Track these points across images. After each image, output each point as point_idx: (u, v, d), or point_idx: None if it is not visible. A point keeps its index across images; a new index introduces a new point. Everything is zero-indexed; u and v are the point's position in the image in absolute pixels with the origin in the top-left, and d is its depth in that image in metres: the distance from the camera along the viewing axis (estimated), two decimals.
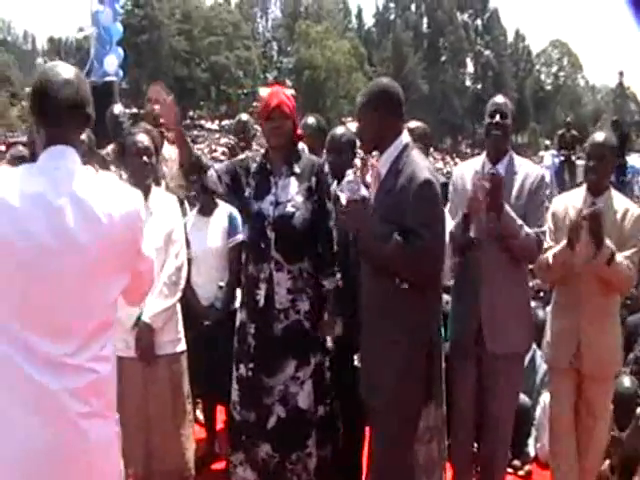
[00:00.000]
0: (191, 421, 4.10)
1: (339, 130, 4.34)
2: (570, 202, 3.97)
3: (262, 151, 3.94)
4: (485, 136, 3.89)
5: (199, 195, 4.64)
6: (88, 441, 2.21)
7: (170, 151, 5.71)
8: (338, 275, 3.78)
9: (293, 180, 3.73)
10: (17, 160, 4.80)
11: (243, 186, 3.77)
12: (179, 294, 3.91)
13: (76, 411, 2.16)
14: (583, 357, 3.83)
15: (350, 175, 3.21)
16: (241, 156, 4.06)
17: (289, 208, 3.67)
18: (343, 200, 3.23)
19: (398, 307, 3.14)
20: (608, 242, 3.65)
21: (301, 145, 4.42)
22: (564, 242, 3.72)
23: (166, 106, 3.62)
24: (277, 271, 3.66)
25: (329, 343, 3.79)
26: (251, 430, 3.73)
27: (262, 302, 3.68)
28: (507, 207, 3.56)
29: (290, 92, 3.95)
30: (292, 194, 3.70)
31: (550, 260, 3.81)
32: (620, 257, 3.67)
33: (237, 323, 3.83)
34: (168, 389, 3.89)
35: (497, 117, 3.76)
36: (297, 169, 3.74)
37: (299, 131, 3.84)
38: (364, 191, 3.30)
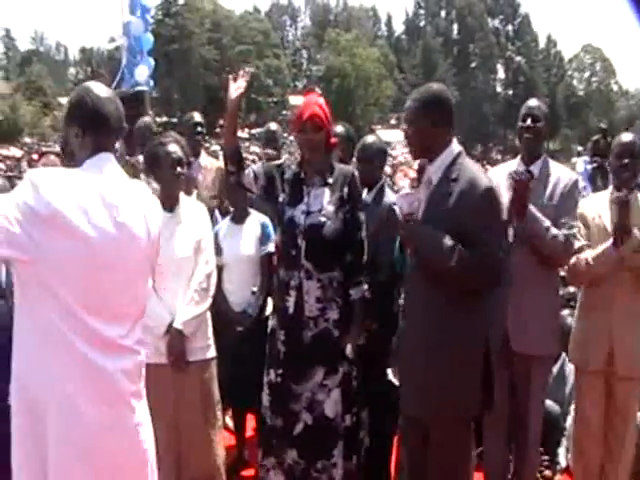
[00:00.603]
0: (220, 427, 4.11)
1: (369, 139, 4.35)
2: (598, 203, 3.97)
3: (297, 159, 3.97)
4: (518, 139, 3.91)
5: (232, 199, 4.67)
6: (138, 418, 2.53)
7: (207, 161, 5.77)
8: (365, 285, 3.78)
9: (325, 190, 3.75)
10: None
11: (278, 191, 3.80)
12: (209, 301, 3.94)
13: (128, 390, 2.47)
14: (617, 358, 3.81)
15: (406, 188, 3.18)
16: (278, 161, 4.09)
17: (320, 218, 3.69)
18: (399, 214, 3.21)
19: (452, 323, 3.12)
20: (637, 232, 3.65)
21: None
22: (609, 241, 3.71)
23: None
24: (307, 279, 3.67)
25: (348, 352, 3.74)
26: (279, 435, 3.75)
27: (292, 309, 3.70)
28: (533, 208, 3.57)
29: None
30: (324, 204, 3.72)
31: (590, 260, 3.79)
32: None
33: (269, 329, 3.87)
34: (198, 396, 3.91)
35: (528, 121, 3.79)
36: (330, 179, 3.76)
37: (333, 140, 3.83)
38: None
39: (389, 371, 3.71)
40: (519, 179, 3.55)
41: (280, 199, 3.79)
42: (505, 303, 3.66)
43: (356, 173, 3.89)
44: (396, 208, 3.36)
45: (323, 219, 3.69)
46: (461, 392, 3.13)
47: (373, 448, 3.98)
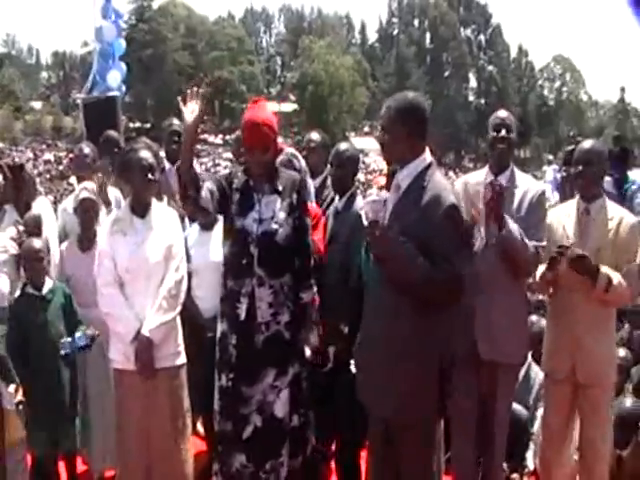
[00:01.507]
0: (190, 435, 4.09)
1: (342, 145, 4.36)
2: (564, 212, 4.01)
3: (242, 168, 3.91)
4: (490, 150, 3.93)
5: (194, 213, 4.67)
6: None
7: None
8: (315, 288, 3.82)
9: (276, 197, 3.75)
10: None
11: (230, 203, 3.77)
12: (179, 308, 3.92)
13: None
14: (578, 366, 3.83)
15: (373, 195, 3.20)
16: (225, 171, 4.05)
17: (273, 225, 3.69)
18: (365, 220, 3.22)
19: (411, 324, 3.14)
20: (604, 269, 3.67)
21: (290, 150, 4.46)
22: (544, 265, 3.78)
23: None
24: (259, 286, 3.67)
25: (307, 355, 3.81)
26: (227, 440, 3.74)
27: (243, 316, 3.69)
28: (508, 218, 3.60)
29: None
30: (275, 211, 3.72)
31: (537, 277, 3.88)
32: (617, 279, 3.68)
33: (218, 333, 3.82)
34: (168, 403, 3.89)
35: (503, 131, 3.81)
36: (279, 186, 3.76)
37: (280, 146, 3.83)
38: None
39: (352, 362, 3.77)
40: (495, 190, 3.59)
41: (232, 210, 3.76)
42: (472, 311, 3.68)
43: (304, 178, 3.95)
44: (362, 214, 3.37)
45: (275, 226, 3.68)
46: (417, 393, 3.16)
47: (344, 450, 4.05)
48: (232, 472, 3.72)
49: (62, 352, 4.01)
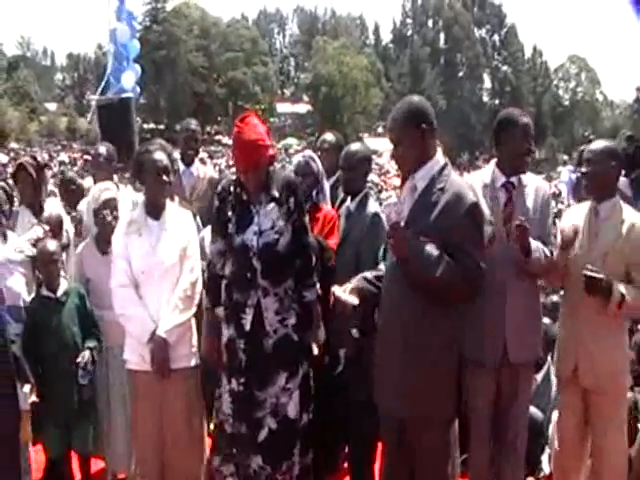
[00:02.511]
0: (204, 436, 4.11)
1: (353, 147, 4.34)
2: (576, 213, 3.98)
3: (233, 178, 3.87)
4: (517, 158, 3.80)
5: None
6: None
7: (201, 170, 5.77)
8: (317, 285, 3.81)
9: (273, 205, 3.70)
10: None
11: (228, 225, 3.75)
12: (194, 309, 3.93)
13: None
14: (581, 371, 3.79)
15: (393, 197, 3.22)
16: (217, 191, 3.91)
17: (273, 235, 3.67)
18: (386, 223, 3.23)
19: (428, 323, 3.16)
20: (616, 287, 3.62)
21: (308, 152, 4.43)
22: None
23: None
24: (265, 297, 3.66)
25: (315, 350, 3.83)
26: (243, 442, 3.74)
27: (248, 327, 3.68)
28: (533, 243, 3.61)
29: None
30: (274, 219, 3.69)
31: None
32: (630, 295, 3.63)
33: (224, 339, 3.79)
34: (183, 403, 3.90)
35: (532, 143, 3.81)
36: (275, 192, 3.71)
37: (272, 153, 3.73)
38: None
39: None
40: (521, 228, 3.56)
41: (230, 230, 3.73)
42: (500, 313, 3.69)
43: (324, 180, 3.99)
44: (383, 216, 3.35)
45: (276, 236, 3.66)
46: (434, 394, 3.17)
47: (356, 451, 4.07)
48: (249, 473, 3.73)
49: (82, 381, 4.05)
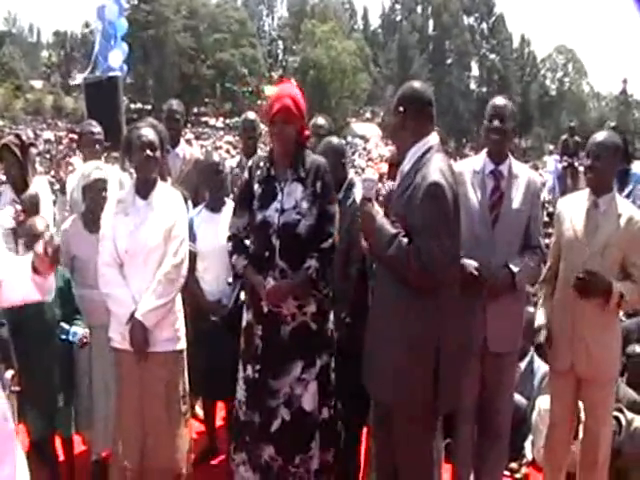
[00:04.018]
0: (187, 420, 4.05)
1: (325, 140, 4.29)
2: (574, 203, 3.97)
3: (265, 154, 3.87)
4: (485, 139, 3.91)
5: (209, 186, 4.62)
6: None
7: (187, 151, 5.72)
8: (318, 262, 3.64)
9: (298, 185, 3.66)
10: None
11: (252, 201, 3.73)
12: (175, 292, 3.87)
13: None
14: (577, 362, 3.82)
15: (368, 172, 3.23)
16: (248, 164, 3.92)
17: (294, 215, 3.61)
18: (358, 198, 3.25)
19: (401, 308, 3.15)
20: (615, 286, 3.65)
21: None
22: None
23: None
24: (282, 279, 3.62)
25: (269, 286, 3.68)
26: (255, 431, 3.71)
27: (266, 309, 3.66)
28: (518, 281, 3.68)
29: None
30: (297, 200, 3.64)
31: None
32: (628, 291, 3.67)
33: (244, 323, 3.80)
34: (162, 388, 3.85)
35: (496, 122, 3.77)
36: (302, 173, 3.67)
37: (307, 132, 3.76)
38: (387, 187, 3.32)
39: None
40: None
41: (254, 206, 3.70)
42: (472, 304, 3.65)
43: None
44: (358, 192, 3.37)
45: (298, 217, 3.61)
46: (413, 378, 3.16)
47: (347, 436, 4.01)
48: (261, 463, 3.71)
49: (61, 336, 3.99)
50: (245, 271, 3.71)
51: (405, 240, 3.08)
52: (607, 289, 3.66)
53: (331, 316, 3.80)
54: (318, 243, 3.64)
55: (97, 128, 5.39)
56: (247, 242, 3.80)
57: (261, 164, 3.77)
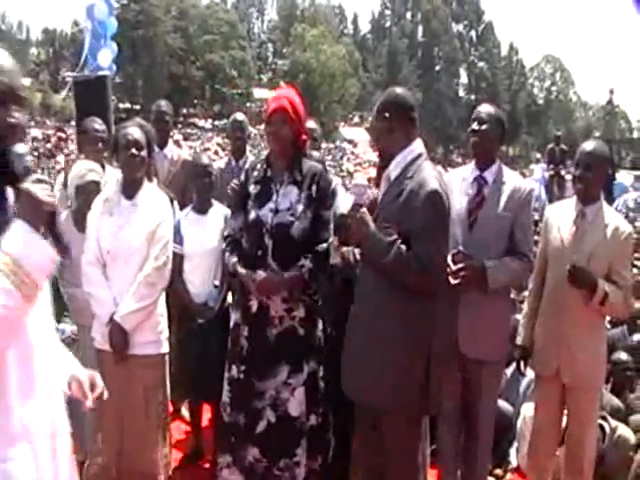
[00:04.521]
0: (166, 425, 4.01)
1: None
2: (561, 212, 3.99)
3: (264, 156, 3.88)
4: (467, 143, 3.95)
5: (197, 188, 4.59)
6: None
7: (175, 152, 5.69)
8: (310, 265, 3.64)
9: (294, 188, 3.66)
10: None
11: (248, 202, 3.73)
12: (157, 296, 3.82)
13: None
14: (563, 368, 3.83)
15: (358, 178, 3.22)
16: (246, 167, 3.96)
17: (288, 217, 3.61)
18: (341, 205, 3.23)
19: (398, 310, 3.15)
20: (601, 283, 3.67)
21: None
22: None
23: None
24: None
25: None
26: (240, 433, 3.69)
27: (254, 309, 3.64)
28: (490, 273, 3.64)
29: None
30: (292, 202, 3.64)
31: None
32: (613, 293, 3.68)
33: (231, 323, 3.78)
34: (142, 390, 3.80)
35: (474, 124, 3.81)
36: (298, 176, 3.68)
37: (304, 137, 3.75)
38: (371, 194, 3.32)
39: None
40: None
41: (248, 205, 3.71)
42: (455, 309, 3.67)
43: (326, 171, 3.87)
44: (347, 197, 3.36)
45: (291, 218, 3.60)
46: (402, 382, 3.15)
47: (337, 447, 3.99)
48: (246, 464, 3.68)
49: None
50: (236, 267, 3.69)
51: (403, 246, 3.08)
52: (592, 284, 3.67)
53: (320, 323, 3.79)
54: (313, 245, 3.63)
55: (101, 126, 5.32)
56: (243, 243, 3.78)
57: (258, 166, 3.78)
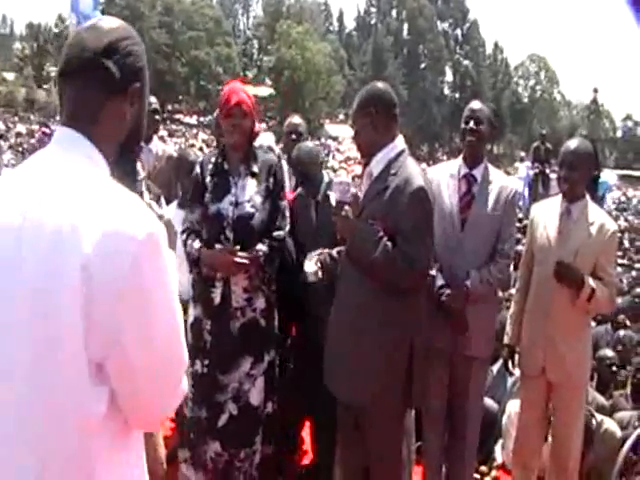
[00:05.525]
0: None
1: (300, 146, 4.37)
2: (547, 210, 4.01)
3: (216, 150, 3.92)
4: (461, 141, 3.94)
5: (183, 184, 4.58)
6: None
7: (159, 147, 5.66)
8: (268, 249, 3.69)
9: (251, 180, 3.71)
10: None
11: (204, 194, 3.74)
12: None
13: None
14: (549, 366, 3.86)
15: (341, 176, 3.22)
16: (198, 159, 4.01)
17: (248, 209, 3.65)
18: (333, 201, 3.23)
19: (380, 307, 3.15)
20: (588, 281, 3.69)
21: (268, 137, 4.41)
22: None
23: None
24: None
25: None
26: (202, 427, 3.69)
27: (218, 301, 3.65)
28: (475, 282, 3.68)
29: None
30: (251, 194, 3.68)
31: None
32: (600, 290, 3.71)
33: (191, 318, 3.75)
34: None
35: (471, 123, 3.81)
36: (255, 168, 3.72)
37: (257, 129, 3.81)
38: (355, 191, 3.31)
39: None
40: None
41: (206, 199, 3.72)
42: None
43: (280, 162, 3.93)
44: (329, 194, 3.37)
45: (252, 210, 3.65)
46: (385, 380, 3.15)
47: (319, 434, 4.06)
48: (204, 460, 3.68)
49: None
50: (200, 251, 3.68)
51: (389, 243, 3.09)
52: (579, 280, 3.69)
53: (276, 313, 3.82)
54: (268, 236, 3.68)
55: None
56: (203, 234, 3.78)
57: (212, 159, 3.81)
